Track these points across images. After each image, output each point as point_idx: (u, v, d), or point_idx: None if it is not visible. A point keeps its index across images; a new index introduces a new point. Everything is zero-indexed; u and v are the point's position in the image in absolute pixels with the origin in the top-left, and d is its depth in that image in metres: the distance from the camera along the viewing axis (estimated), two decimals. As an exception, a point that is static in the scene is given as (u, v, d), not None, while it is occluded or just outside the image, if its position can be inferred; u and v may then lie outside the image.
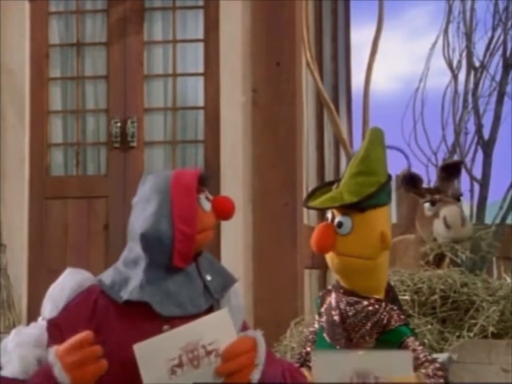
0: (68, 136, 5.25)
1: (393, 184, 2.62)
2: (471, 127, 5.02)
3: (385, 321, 2.37)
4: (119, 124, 5.05)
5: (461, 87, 5.05)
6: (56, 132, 5.24)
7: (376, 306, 2.37)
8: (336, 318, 2.38)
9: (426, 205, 4.12)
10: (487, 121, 4.97)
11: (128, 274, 2.07)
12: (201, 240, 2.09)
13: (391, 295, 2.45)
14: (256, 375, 1.91)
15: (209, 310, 2.07)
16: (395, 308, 2.43)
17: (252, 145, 4.86)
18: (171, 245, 2.03)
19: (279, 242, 4.71)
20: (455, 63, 5.10)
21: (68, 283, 2.06)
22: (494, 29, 5.01)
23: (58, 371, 1.84)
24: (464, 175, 4.97)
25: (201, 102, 5.11)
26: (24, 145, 5.11)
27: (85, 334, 1.87)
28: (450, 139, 5.01)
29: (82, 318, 2.00)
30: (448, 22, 5.12)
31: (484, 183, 4.88)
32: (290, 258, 4.69)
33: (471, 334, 3.45)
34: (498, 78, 4.98)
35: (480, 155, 4.95)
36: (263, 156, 4.83)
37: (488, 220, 4.90)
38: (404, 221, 5.36)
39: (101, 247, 4.92)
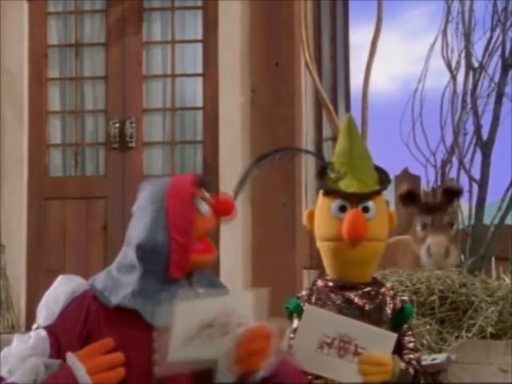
0: (66, 136, 5.25)
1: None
2: (470, 127, 5.02)
3: (393, 302, 2.39)
4: (117, 125, 5.05)
5: (459, 88, 5.05)
6: (55, 132, 5.24)
7: (383, 290, 2.40)
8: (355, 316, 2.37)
9: (418, 226, 4.14)
10: (486, 121, 4.97)
11: (121, 280, 2.07)
12: (201, 261, 2.09)
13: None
14: (265, 363, 1.93)
15: None
16: (390, 287, 2.46)
17: (250, 145, 4.86)
18: (167, 255, 2.04)
19: (277, 242, 4.71)
20: (453, 64, 5.10)
21: (62, 290, 2.06)
22: (492, 30, 5.01)
23: (82, 375, 1.87)
24: (463, 175, 4.97)
25: (199, 103, 5.11)
26: (22, 145, 5.11)
27: (106, 341, 1.91)
28: (449, 139, 5.02)
29: (78, 323, 2.01)
30: (446, 23, 5.12)
31: (483, 184, 4.88)
32: (288, 258, 4.69)
33: (470, 335, 3.45)
34: (497, 78, 4.99)
35: (478, 156, 4.95)
36: (262, 156, 4.82)
37: (486, 220, 4.90)
38: (401, 221, 5.35)
39: (100, 248, 4.92)
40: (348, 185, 2.36)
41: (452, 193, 4.13)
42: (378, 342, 2.17)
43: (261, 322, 1.96)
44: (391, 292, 2.42)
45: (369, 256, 2.38)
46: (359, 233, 2.30)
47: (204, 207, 2.10)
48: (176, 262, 2.04)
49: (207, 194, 2.13)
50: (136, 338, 1.97)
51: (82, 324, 2.01)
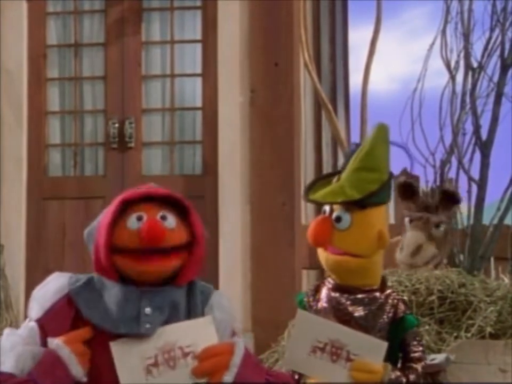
0: (65, 136, 5.25)
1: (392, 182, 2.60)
2: (469, 127, 5.01)
3: (393, 311, 2.38)
4: (116, 125, 5.05)
5: (458, 88, 5.04)
6: (54, 132, 5.24)
7: (383, 297, 2.38)
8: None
9: (406, 220, 4.12)
10: (485, 121, 4.96)
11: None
12: (125, 263, 2.00)
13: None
14: (228, 377, 1.92)
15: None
16: (398, 296, 2.44)
17: (249, 145, 4.87)
18: (93, 254, 2.06)
19: (277, 242, 4.71)
20: (453, 64, 5.08)
21: (52, 285, 2.07)
22: (492, 30, 5.00)
23: (67, 354, 1.90)
24: (462, 175, 4.97)
25: (199, 103, 5.11)
26: (22, 145, 5.11)
27: (86, 330, 1.94)
28: (448, 140, 5.00)
29: (67, 318, 2.02)
30: (446, 23, 5.10)
31: (482, 184, 4.87)
32: (288, 258, 4.69)
33: (469, 335, 3.45)
34: (496, 78, 4.97)
35: (478, 156, 4.94)
36: (261, 156, 4.83)
37: (485, 220, 4.90)
38: (401, 221, 5.35)
39: (99, 248, 4.92)
40: (324, 193, 2.37)
41: (448, 196, 4.11)
42: (369, 350, 2.18)
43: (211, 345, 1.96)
44: (395, 301, 2.40)
45: (338, 268, 2.37)
46: (315, 237, 2.34)
47: (134, 224, 2.01)
48: (96, 259, 2.04)
49: (156, 217, 2.01)
50: (94, 341, 1.98)
51: (72, 320, 2.02)
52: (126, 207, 2.02)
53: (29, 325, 2.02)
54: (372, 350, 2.18)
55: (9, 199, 5.03)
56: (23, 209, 5.06)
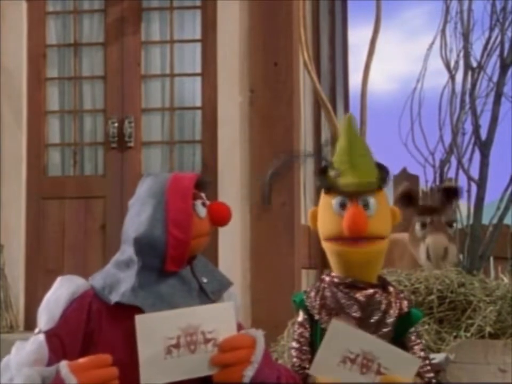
0: (65, 136, 5.25)
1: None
2: (468, 127, 5.01)
3: (398, 308, 2.38)
4: (116, 124, 5.05)
5: (458, 88, 5.04)
6: (54, 132, 5.24)
7: (385, 294, 2.38)
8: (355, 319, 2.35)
9: (417, 225, 4.13)
10: (485, 121, 4.96)
11: (120, 276, 2.07)
12: (195, 245, 2.09)
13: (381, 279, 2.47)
14: (249, 372, 1.92)
15: None
16: (399, 291, 2.45)
17: (249, 145, 4.87)
18: (164, 249, 2.03)
19: (276, 242, 4.71)
20: (452, 64, 5.09)
21: (62, 293, 2.05)
22: (491, 29, 5.00)
23: None
24: (461, 175, 4.97)
25: (198, 102, 5.12)
26: (21, 145, 5.11)
27: (104, 356, 1.89)
28: (448, 139, 5.00)
29: (80, 324, 2.01)
30: (445, 22, 5.10)
31: (481, 184, 4.87)
32: (287, 258, 4.69)
33: (468, 334, 3.45)
34: (495, 78, 4.98)
35: (477, 155, 4.94)
36: (261, 156, 4.83)
37: (485, 220, 4.90)
38: (400, 219, 5.34)
39: (98, 247, 4.92)
40: (346, 182, 2.36)
41: (450, 193, 4.13)
42: (401, 365, 2.16)
43: (234, 333, 1.97)
44: (399, 295, 2.41)
45: (372, 256, 2.36)
46: (359, 227, 2.31)
47: (202, 211, 2.10)
48: (173, 256, 2.04)
49: (206, 200, 2.13)
50: None
51: (84, 324, 2.01)
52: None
53: (36, 340, 1.99)
54: (403, 366, 2.15)
55: (8, 199, 5.03)
56: (23, 208, 5.06)
